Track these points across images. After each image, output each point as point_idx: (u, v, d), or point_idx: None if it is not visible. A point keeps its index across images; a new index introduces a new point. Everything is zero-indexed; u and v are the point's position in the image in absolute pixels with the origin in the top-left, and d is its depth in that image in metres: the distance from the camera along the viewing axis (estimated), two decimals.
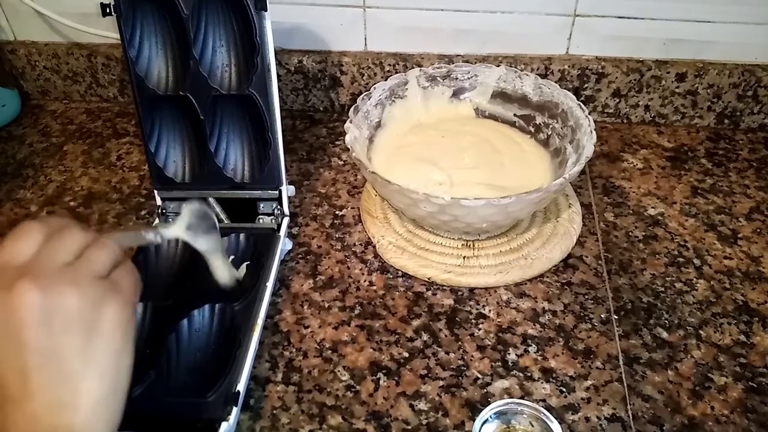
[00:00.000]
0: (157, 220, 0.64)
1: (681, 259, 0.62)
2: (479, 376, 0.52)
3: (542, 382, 0.51)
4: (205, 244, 0.48)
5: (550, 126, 0.67)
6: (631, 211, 0.68)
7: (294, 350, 0.55)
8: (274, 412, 0.50)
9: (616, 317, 0.57)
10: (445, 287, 0.60)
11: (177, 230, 0.46)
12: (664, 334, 0.55)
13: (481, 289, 0.59)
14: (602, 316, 0.57)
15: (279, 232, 0.61)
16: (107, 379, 0.35)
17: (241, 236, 0.61)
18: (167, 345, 0.50)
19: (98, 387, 0.35)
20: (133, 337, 0.37)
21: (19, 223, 0.37)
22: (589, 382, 0.51)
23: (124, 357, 0.37)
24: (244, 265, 0.57)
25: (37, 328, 0.33)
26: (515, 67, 0.72)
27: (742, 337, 0.55)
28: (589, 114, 0.62)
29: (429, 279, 0.60)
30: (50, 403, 0.33)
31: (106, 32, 0.81)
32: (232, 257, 0.57)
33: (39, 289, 0.33)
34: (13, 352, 0.33)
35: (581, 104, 0.63)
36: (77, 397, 0.34)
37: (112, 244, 0.39)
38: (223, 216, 0.62)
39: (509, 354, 0.54)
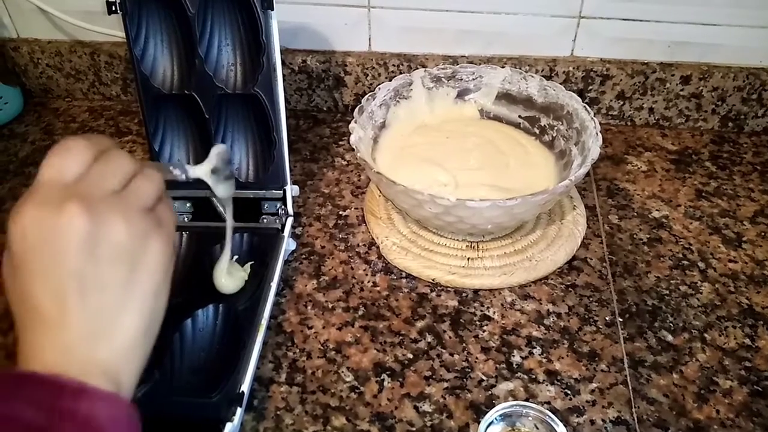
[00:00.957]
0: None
1: (685, 262, 0.62)
2: (484, 378, 0.52)
3: (547, 385, 0.51)
4: (224, 191, 0.48)
5: (555, 128, 0.67)
6: (635, 214, 0.68)
7: (298, 351, 0.54)
8: (278, 412, 0.50)
9: (621, 320, 0.56)
10: (449, 288, 0.60)
11: (202, 171, 0.45)
12: (669, 337, 0.55)
13: (486, 290, 0.59)
14: (607, 318, 0.57)
15: (283, 232, 0.61)
16: (145, 315, 0.35)
17: (245, 236, 0.61)
18: (171, 345, 0.50)
19: (136, 322, 0.34)
20: (171, 275, 0.37)
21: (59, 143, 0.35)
22: (594, 385, 0.51)
23: (163, 294, 0.36)
24: (248, 264, 0.57)
25: (83, 255, 0.32)
26: (520, 69, 0.72)
27: (747, 341, 0.54)
28: (594, 116, 0.62)
29: (433, 280, 0.60)
30: (87, 334, 0.32)
31: (109, 30, 0.81)
32: (236, 257, 0.57)
33: (89, 214, 0.32)
34: (53, 275, 0.32)
35: (586, 106, 0.63)
36: (115, 330, 0.33)
37: (158, 177, 0.38)
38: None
39: (514, 356, 0.54)
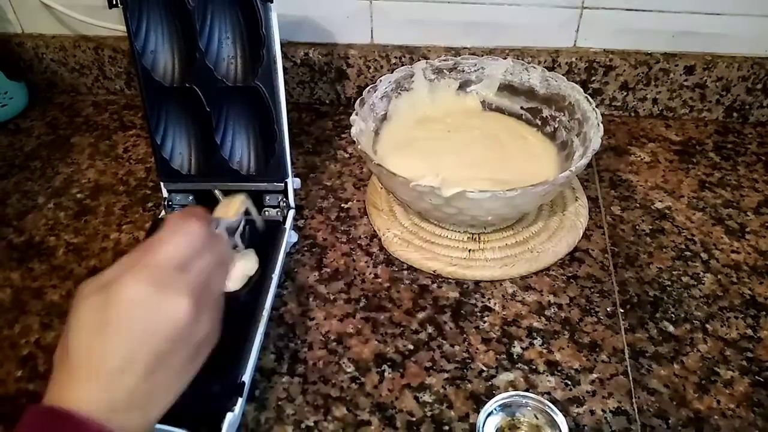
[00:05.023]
0: (163, 212, 0.64)
1: (688, 253, 0.62)
2: (484, 368, 0.52)
3: (547, 375, 0.51)
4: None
5: (557, 119, 0.67)
6: (638, 205, 0.68)
7: (299, 342, 0.55)
8: (280, 403, 0.50)
9: (622, 311, 0.56)
10: (450, 280, 0.60)
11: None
12: (671, 328, 0.55)
13: (487, 282, 0.59)
14: (608, 309, 0.57)
15: (285, 224, 0.61)
16: (178, 393, 0.37)
17: (247, 228, 0.61)
18: None
19: (172, 400, 0.37)
20: None
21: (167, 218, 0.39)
22: (595, 376, 0.51)
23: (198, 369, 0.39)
24: (253, 252, 0.57)
25: (169, 342, 0.35)
26: (522, 60, 0.71)
27: (749, 332, 0.54)
28: (597, 107, 0.62)
29: (434, 272, 0.60)
30: (133, 404, 0.34)
31: (112, 25, 0.81)
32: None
33: (194, 312, 0.35)
34: (134, 347, 0.34)
35: (588, 97, 0.63)
36: (155, 406, 0.36)
37: (228, 265, 0.42)
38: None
39: (514, 347, 0.54)
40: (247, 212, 0.50)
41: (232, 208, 0.48)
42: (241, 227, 0.52)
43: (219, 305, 0.40)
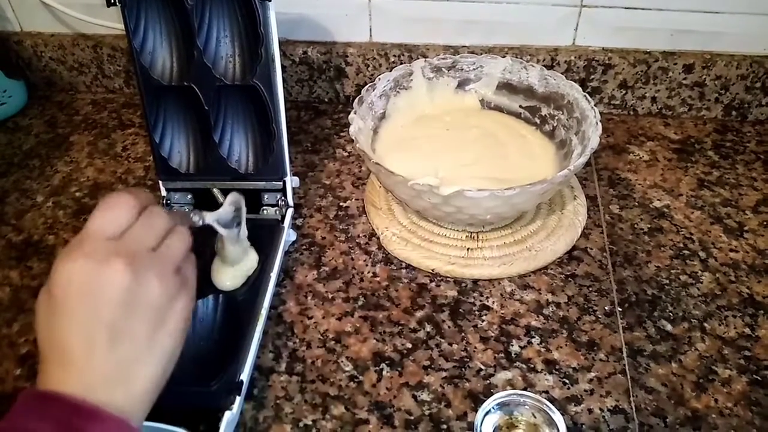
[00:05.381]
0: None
1: (686, 252, 0.62)
2: (482, 367, 0.52)
3: (545, 374, 0.51)
4: (230, 234, 0.52)
5: (556, 117, 0.67)
6: (636, 204, 0.68)
7: (297, 341, 0.55)
8: (278, 401, 0.50)
9: (620, 309, 0.56)
10: (448, 279, 0.60)
11: (211, 217, 0.49)
12: (669, 327, 0.55)
13: (485, 280, 0.59)
14: (606, 308, 0.57)
15: (283, 223, 0.61)
16: (161, 366, 0.37)
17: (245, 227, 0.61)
18: None
19: (153, 372, 0.37)
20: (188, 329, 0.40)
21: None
22: (593, 374, 0.51)
23: (178, 347, 0.39)
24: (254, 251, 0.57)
25: (119, 308, 0.35)
26: (521, 59, 0.71)
27: (747, 330, 0.54)
28: (596, 105, 0.62)
29: (433, 270, 0.60)
30: (108, 379, 0.35)
31: (111, 23, 0.81)
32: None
33: (131, 272, 0.36)
34: (89, 322, 0.35)
35: (587, 95, 0.63)
36: (134, 379, 0.36)
37: (188, 235, 0.42)
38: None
39: (512, 345, 0.54)
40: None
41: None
42: (239, 222, 0.53)
43: (182, 272, 0.40)
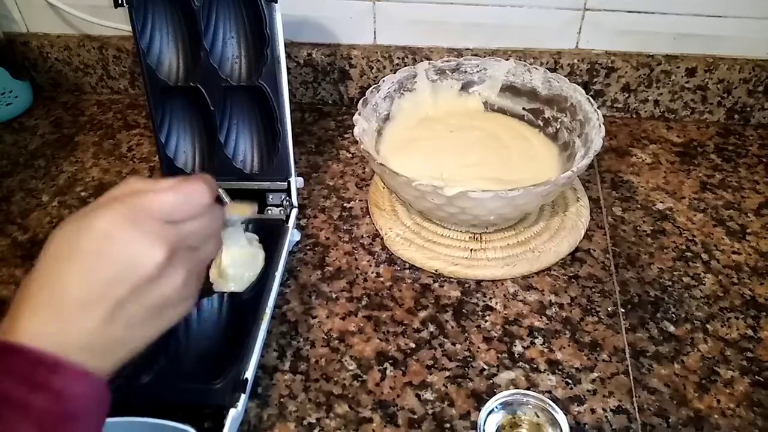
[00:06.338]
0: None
1: (689, 254, 0.62)
2: (485, 367, 0.52)
3: (548, 374, 0.52)
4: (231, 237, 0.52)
5: (559, 120, 0.67)
6: (639, 206, 0.68)
7: (301, 340, 0.55)
8: (282, 400, 0.50)
9: (623, 310, 0.57)
10: (452, 279, 0.60)
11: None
12: (671, 328, 0.55)
13: (488, 281, 0.60)
14: (609, 309, 0.57)
15: (287, 223, 0.62)
16: (134, 351, 0.36)
17: (250, 227, 0.61)
18: (177, 332, 0.51)
19: (125, 356, 0.35)
20: None
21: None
22: (595, 375, 0.51)
23: (161, 332, 0.38)
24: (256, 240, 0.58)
25: (134, 291, 0.34)
26: (524, 61, 0.72)
27: (750, 332, 0.55)
28: (599, 108, 0.62)
29: (436, 271, 0.60)
30: (84, 349, 0.33)
31: (117, 24, 0.82)
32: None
33: (165, 266, 0.34)
34: (99, 286, 0.33)
35: (590, 98, 0.63)
36: (107, 356, 0.34)
37: (221, 244, 0.41)
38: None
39: (515, 346, 0.54)
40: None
41: (245, 209, 0.49)
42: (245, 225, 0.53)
43: (201, 277, 0.39)
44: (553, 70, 0.78)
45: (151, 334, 0.36)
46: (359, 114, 0.64)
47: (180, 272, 0.36)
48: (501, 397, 0.47)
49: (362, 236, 0.65)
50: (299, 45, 0.82)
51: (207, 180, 0.38)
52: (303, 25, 0.80)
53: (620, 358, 0.53)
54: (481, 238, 0.63)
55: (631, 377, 0.51)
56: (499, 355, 0.53)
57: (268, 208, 0.63)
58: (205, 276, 0.42)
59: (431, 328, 0.56)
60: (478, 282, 0.60)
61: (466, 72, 0.72)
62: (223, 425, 0.45)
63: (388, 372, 0.52)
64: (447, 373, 0.52)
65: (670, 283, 0.59)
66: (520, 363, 0.53)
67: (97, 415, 0.33)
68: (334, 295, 0.59)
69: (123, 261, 0.33)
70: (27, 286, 0.33)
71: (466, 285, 0.59)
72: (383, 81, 0.68)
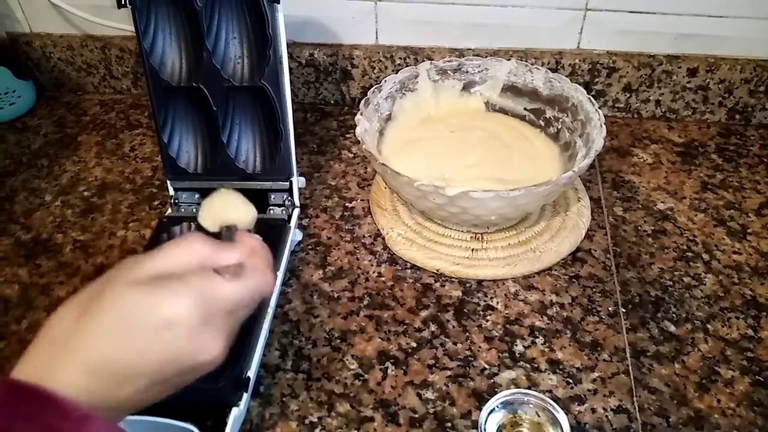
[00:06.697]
0: (169, 210, 0.64)
1: (690, 254, 0.62)
2: (486, 366, 0.53)
3: (549, 374, 0.52)
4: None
5: (560, 120, 0.67)
6: (640, 206, 0.68)
7: (303, 339, 0.55)
8: (284, 399, 0.51)
9: (624, 310, 0.57)
10: (453, 279, 0.60)
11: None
12: (672, 328, 0.55)
13: (489, 281, 0.60)
14: (610, 309, 0.57)
15: (289, 222, 0.62)
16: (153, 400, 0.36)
17: (252, 227, 0.61)
18: None
19: (142, 404, 0.35)
20: None
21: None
22: (596, 374, 0.52)
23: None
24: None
25: (185, 371, 0.34)
26: (526, 61, 0.72)
27: (750, 332, 0.55)
28: (600, 108, 0.62)
29: (437, 271, 0.61)
30: (113, 407, 0.33)
31: (120, 24, 0.82)
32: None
33: (222, 356, 0.35)
34: (155, 362, 0.33)
35: (591, 98, 0.64)
36: (130, 410, 0.34)
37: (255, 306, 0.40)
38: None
39: (516, 345, 0.54)
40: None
41: (247, 217, 0.47)
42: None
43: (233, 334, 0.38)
44: (555, 70, 0.78)
45: (175, 388, 0.36)
46: (361, 114, 0.64)
47: (213, 341, 0.35)
48: (502, 396, 0.47)
49: (364, 236, 0.65)
50: (301, 45, 0.82)
51: (270, 263, 0.39)
52: (305, 25, 0.81)
53: (621, 358, 0.53)
54: (482, 238, 0.63)
55: (632, 377, 0.51)
56: (500, 355, 0.53)
57: (270, 207, 0.63)
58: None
59: (432, 327, 0.56)
60: (480, 282, 0.60)
61: (467, 72, 0.72)
62: (225, 424, 0.45)
63: (389, 371, 0.52)
64: (448, 373, 0.52)
65: (671, 283, 0.59)
66: (521, 362, 0.53)
67: None
68: (335, 295, 0.59)
69: (182, 351, 0.33)
70: (75, 333, 0.33)
71: (468, 285, 0.60)
72: (385, 81, 0.68)
